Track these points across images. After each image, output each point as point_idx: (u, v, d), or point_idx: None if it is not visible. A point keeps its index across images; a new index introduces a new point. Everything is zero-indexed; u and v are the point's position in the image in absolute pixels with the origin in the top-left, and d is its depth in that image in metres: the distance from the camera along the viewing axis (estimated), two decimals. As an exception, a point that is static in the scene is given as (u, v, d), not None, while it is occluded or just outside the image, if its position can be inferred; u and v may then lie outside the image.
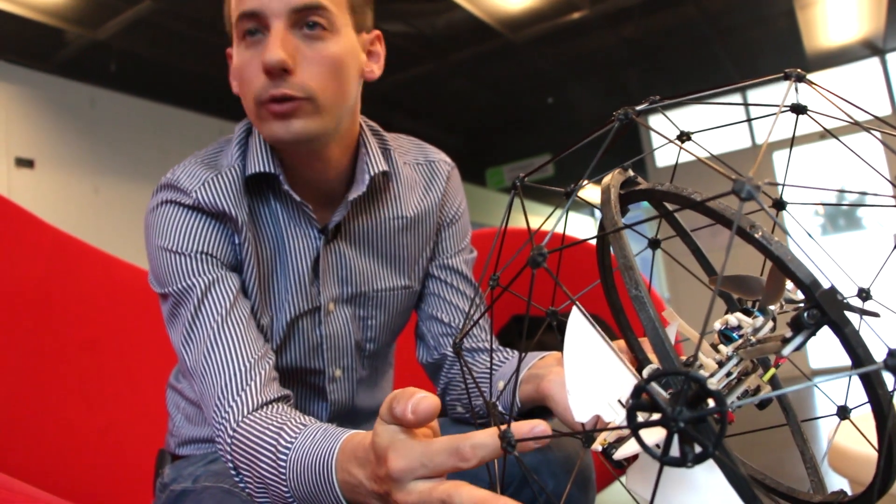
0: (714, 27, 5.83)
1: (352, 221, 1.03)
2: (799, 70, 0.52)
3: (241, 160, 0.97)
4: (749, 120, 0.65)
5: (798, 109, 0.55)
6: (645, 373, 0.54)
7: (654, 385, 0.40)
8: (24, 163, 5.01)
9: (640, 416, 0.42)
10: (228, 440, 0.81)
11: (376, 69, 1.00)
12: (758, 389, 0.52)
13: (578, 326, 0.50)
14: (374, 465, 0.60)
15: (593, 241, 0.53)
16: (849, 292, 0.49)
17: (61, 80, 5.39)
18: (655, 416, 0.34)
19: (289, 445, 0.74)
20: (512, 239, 1.98)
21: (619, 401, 0.47)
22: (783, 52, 6.50)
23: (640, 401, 0.35)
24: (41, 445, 1.36)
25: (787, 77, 0.53)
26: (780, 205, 0.61)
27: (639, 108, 0.52)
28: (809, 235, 0.67)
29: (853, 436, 1.12)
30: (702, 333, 0.36)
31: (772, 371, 0.50)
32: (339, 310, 1.03)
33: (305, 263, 0.99)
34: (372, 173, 1.00)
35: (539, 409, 0.86)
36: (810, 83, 0.53)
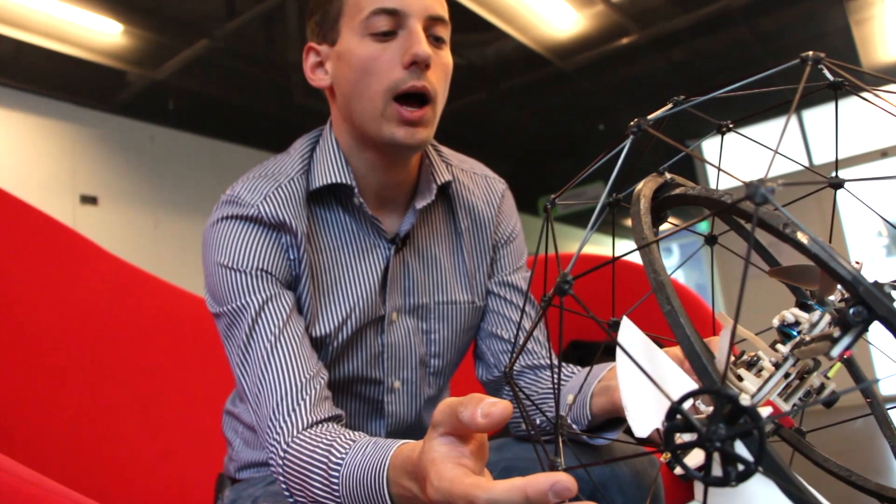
0: (766, 47, 5.75)
1: (416, 231, 1.05)
2: (815, 53, 0.52)
3: (305, 172, 0.99)
4: (773, 108, 0.64)
5: (835, 86, 0.54)
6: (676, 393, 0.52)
7: (691, 403, 0.38)
8: (89, 200, 5.18)
9: (683, 436, 0.41)
10: (280, 459, 0.82)
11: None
12: (822, 388, 0.50)
13: (630, 338, 0.48)
14: (422, 479, 0.59)
15: (630, 258, 0.52)
16: None
17: (123, 119, 5.57)
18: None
19: (340, 460, 0.74)
20: (562, 263, 1.96)
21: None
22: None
23: (674, 422, 0.34)
24: (103, 469, 1.39)
25: (804, 62, 0.51)
26: (836, 185, 0.58)
27: (652, 116, 0.51)
28: (869, 208, 0.65)
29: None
30: (729, 347, 0.34)
31: (836, 366, 0.48)
32: (401, 320, 1.03)
33: (375, 273, 1.00)
34: (439, 182, 1.03)
35: (613, 420, 0.85)
36: (830, 63, 0.52)
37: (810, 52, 0.51)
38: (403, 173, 1.02)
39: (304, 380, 0.87)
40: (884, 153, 6.70)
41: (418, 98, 0.93)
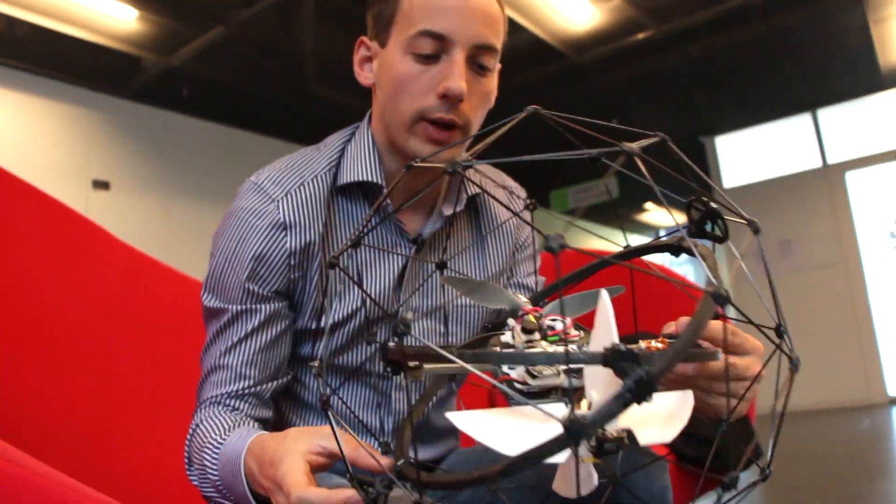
0: (783, 44, 5.71)
1: (439, 235, 1.06)
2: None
3: (333, 167, 1.00)
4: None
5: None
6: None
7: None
8: (101, 185, 5.20)
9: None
10: (190, 434, 0.94)
11: (492, 99, 1.05)
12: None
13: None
14: (266, 465, 0.74)
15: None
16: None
17: (136, 105, 5.58)
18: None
19: (226, 438, 0.86)
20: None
21: None
22: (856, 69, 6.32)
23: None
24: (116, 460, 1.39)
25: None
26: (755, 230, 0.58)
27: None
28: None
29: None
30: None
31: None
32: (418, 320, 1.04)
33: (392, 271, 1.01)
34: (469, 193, 1.05)
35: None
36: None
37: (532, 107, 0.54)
38: (430, 180, 1.03)
39: (247, 383, 0.95)
40: (898, 154, 6.65)
41: (446, 126, 0.94)
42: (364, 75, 1.03)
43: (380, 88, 0.99)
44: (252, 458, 0.79)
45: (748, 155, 7.37)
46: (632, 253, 0.72)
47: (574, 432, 0.37)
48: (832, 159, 6.94)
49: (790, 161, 7.12)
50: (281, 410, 1.05)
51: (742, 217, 0.56)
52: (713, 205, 0.60)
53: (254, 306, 0.95)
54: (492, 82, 0.98)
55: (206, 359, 0.99)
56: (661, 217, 10.91)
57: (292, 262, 0.96)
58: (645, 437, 0.49)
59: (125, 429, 1.44)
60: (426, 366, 0.55)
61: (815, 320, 6.48)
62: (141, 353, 1.51)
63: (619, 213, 9.90)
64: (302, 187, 0.97)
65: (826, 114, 6.98)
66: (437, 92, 0.92)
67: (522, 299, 0.64)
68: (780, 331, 0.53)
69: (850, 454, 4.24)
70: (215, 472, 0.86)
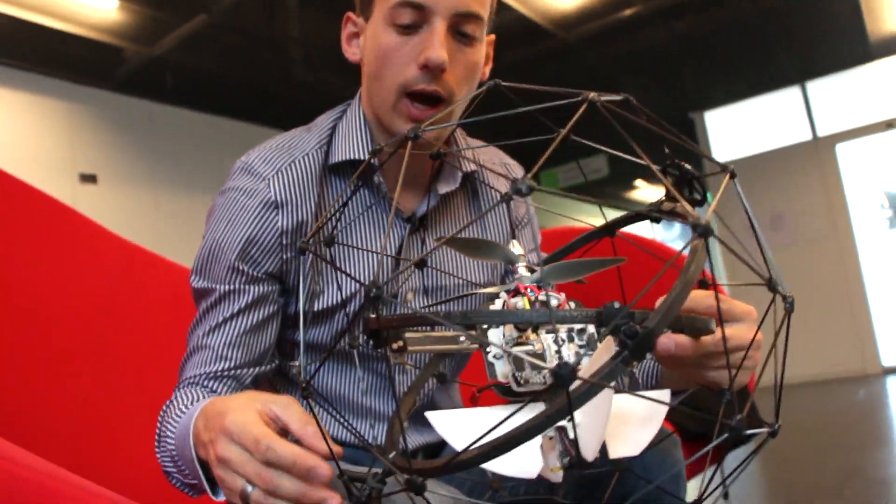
0: (771, 16, 5.68)
1: (435, 214, 1.04)
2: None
3: (323, 146, 0.98)
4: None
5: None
6: None
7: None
8: (89, 178, 5.15)
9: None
10: (163, 409, 0.91)
11: (487, 71, 1.03)
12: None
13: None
14: (214, 417, 0.70)
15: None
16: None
17: (120, 96, 5.52)
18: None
19: (189, 408, 0.82)
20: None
21: None
22: (845, 40, 6.28)
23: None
24: (114, 456, 1.38)
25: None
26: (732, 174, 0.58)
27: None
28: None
29: None
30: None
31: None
32: (417, 301, 1.02)
33: (388, 250, 0.99)
34: (465, 170, 1.03)
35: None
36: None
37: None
38: (424, 159, 1.00)
39: (228, 364, 0.93)
40: (889, 124, 6.65)
41: (430, 99, 0.92)
42: (351, 51, 1.01)
43: (365, 64, 0.97)
44: (202, 417, 0.75)
45: (738, 129, 7.36)
46: (613, 225, 0.70)
47: (562, 377, 0.35)
48: (822, 132, 6.92)
49: (780, 135, 7.10)
50: (268, 391, 1.03)
51: (716, 163, 0.56)
52: (687, 166, 0.59)
53: (242, 287, 0.93)
54: (478, 52, 0.95)
55: (190, 339, 0.97)
56: (650, 193, 10.91)
57: (284, 242, 0.94)
58: (615, 450, 0.49)
59: (123, 422, 1.42)
60: (410, 347, 0.53)
61: (809, 293, 6.49)
62: (137, 345, 1.49)
63: (606, 191, 9.89)
64: (292, 165, 0.95)
65: (815, 86, 6.96)
66: (417, 63, 0.90)
67: (518, 250, 0.62)
68: (771, 283, 0.50)
69: (847, 424, 4.26)
70: (172, 441, 0.83)
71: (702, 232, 0.43)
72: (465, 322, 0.47)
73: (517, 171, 1.16)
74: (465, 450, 0.42)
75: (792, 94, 7.06)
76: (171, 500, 1.38)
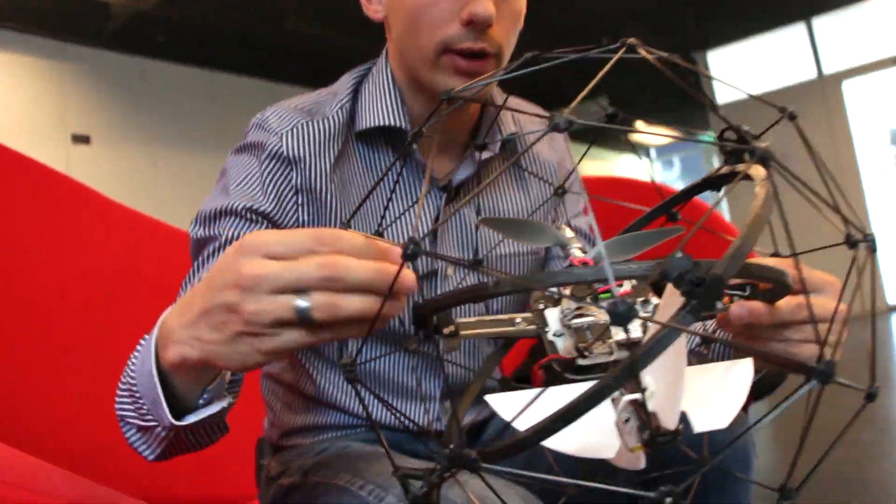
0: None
1: (474, 181, 0.95)
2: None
3: (348, 110, 0.90)
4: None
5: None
6: None
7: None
8: (81, 139, 5.06)
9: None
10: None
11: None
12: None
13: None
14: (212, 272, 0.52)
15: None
16: None
17: (111, 53, 5.40)
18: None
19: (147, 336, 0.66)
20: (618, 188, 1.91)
21: None
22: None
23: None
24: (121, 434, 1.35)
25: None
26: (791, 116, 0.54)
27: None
28: None
29: None
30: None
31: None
32: (458, 275, 0.95)
33: (425, 223, 0.91)
34: (505, 132, 0.95)
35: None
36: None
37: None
38: (464, 117, 0.92)
39: None
40: (894, 60, 6.53)
41: (477, 56, 0.82)
42: (373, 9, 0.91)
43: (394, 21, 0.88)
44: (176, 305, 0.59)
45: (742, 69, 7.23)
46: (673, 200, 0.65)
47: (619, 314, 0.32)
48: (828, 69, 6.80)
49: (785, 73, 6.98)
50: (298, 368, 0.97)
51: (773, 106, 0.52)
52: (745, 127, 0.55)
53: (248, 232, 0.81)
54: (520, 1, 0.86)
55: (182, 292, 0.83)
56: (652, 138, 10.80)
57: (300, 202, 0.86)
58: (700, 423, 0.43)
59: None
60: (462, 332, 0.48)
61: (814, 232, 6.45)
62: (139, 315, 1.44)
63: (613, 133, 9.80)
64: (310, 124, 0.87)
65: (821, 22, 6.81)
66: (460, 18, 0.80)
67: (568, 233, 0.57)
68: (851, 239, 0.46)
69: (852, 363, 4.26)
70: (133, 369, 0.67)
71: (761, 157, 0.40)
72: (515, 290, 0.44)
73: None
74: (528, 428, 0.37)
75: (797, 30, 6.91)
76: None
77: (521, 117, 1.03)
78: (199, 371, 0.61)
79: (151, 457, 0.72)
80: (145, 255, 1.50)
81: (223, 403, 0.65)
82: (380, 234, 0.59)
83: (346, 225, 0.51)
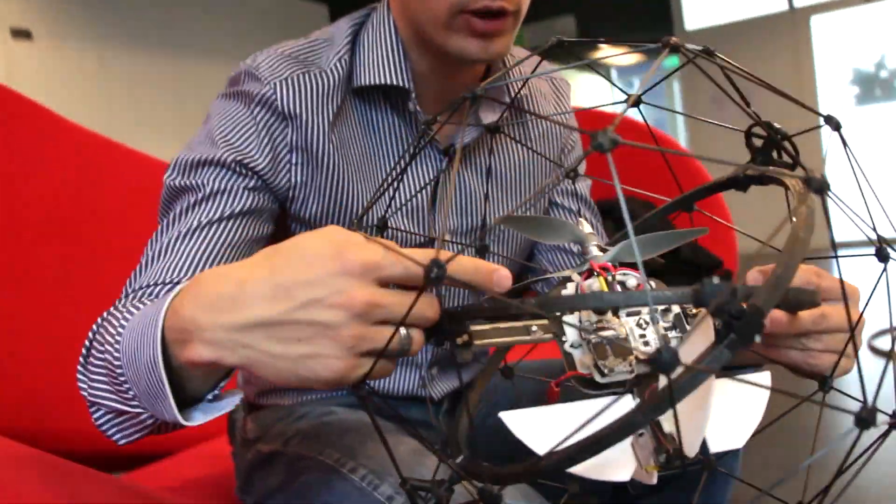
0: None
1: (477, 144, 0.90)
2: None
3: (346, 64, 0.83)
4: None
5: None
6: None
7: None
8: (21, 34, 4.75)
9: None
10: (94, 328, 0.66)
11: None
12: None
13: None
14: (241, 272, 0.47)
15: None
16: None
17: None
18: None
19: (133, 311, 0.61)
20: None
21: None
22: None
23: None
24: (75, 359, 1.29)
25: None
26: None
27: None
28: None
29: None
30: None
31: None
32: (453, 243, 0.91)
33: (425, 189, 0.87)
34: (512, 93, 0.88)
35: None
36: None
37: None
38: (470, 77, 0.87)
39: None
40: (866, -1, 6.50)
41: (495, 14, 0.76)
42: None
43: None
44: (190, 284, 0.52)
45: (712, -2, 7.14)
46: (691, 198, 0.65)
47: (665, 364, 0.31)
48: (799, 2, 6.75)
49: (756, 3, 6.90)
50: None
51: (818, 114, 0.51)
52: (777, 125, 0.56)
53: (237, 188, 0.77)
54: None
55: (151, 247, 0.76)
56: (618, 59, 10.71)
57: (294, 161, 0.80)
58: (716, 443, 0.44)
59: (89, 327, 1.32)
60: (477, 341, 0.46)
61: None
62: (103, 243, 1.35)
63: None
64: (306, 76, 0.80)
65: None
66: None
67: (586, 228, 0.56)
68: (882, 252, 0.47)
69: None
70: (115, 347, 0.59)
71: (818, 187, 0.40)
72: (542, 311, 0.42)
73: (564, 86, 1.02)
74: (549, 454, 0.38)
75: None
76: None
77: (527, 73, 0.98)
78: (220, 367, 0.53)
79: (123, 441, 0.64)
80: (100, 180, 1.39)
81: (235, 399, 0.58)
82: (385, 223, 0.62)
83: (359, 221, 0.52)
